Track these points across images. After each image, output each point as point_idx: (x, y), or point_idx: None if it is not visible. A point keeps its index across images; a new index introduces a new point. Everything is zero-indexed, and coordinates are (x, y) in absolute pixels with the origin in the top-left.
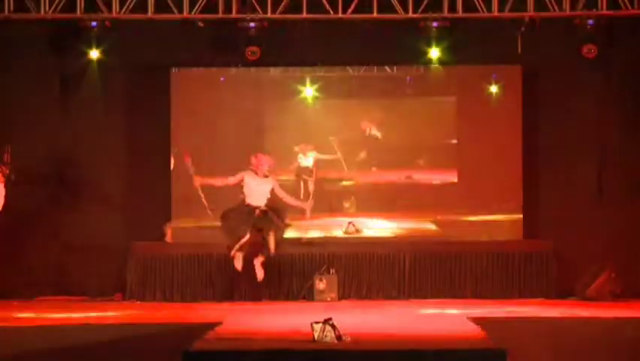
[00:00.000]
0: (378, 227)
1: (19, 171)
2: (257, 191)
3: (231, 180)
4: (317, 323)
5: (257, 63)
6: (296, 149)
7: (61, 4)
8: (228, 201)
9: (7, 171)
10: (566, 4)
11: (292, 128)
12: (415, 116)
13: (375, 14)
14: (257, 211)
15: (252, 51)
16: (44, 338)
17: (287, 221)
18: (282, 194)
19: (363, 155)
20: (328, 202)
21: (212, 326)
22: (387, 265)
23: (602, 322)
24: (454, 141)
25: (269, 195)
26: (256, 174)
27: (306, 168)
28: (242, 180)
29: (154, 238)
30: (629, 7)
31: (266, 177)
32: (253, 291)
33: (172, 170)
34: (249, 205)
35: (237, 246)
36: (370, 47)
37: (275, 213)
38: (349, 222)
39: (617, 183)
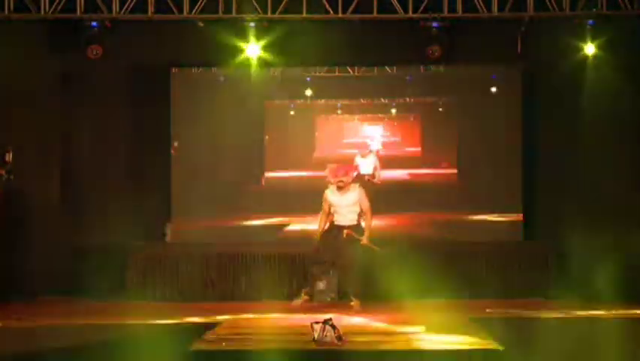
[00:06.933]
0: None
1: (19, 171)
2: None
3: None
4: (317, 323)
5: (257, 63)
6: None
7: (61, 4)
8: None
9: (3, 172)
10: (566, 4)
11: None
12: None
13: (375, 14)
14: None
15: (253, 50)
16: (44, 338)
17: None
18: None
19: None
20: None
21: (212, 326)
22: (387, 265)
23: (602, 322)
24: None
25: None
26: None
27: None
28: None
29: (154, 238)
30: (629, 7)
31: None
32: None
33: (172, 170)
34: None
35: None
36: (370, 47)
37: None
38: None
39: (616, 182)
